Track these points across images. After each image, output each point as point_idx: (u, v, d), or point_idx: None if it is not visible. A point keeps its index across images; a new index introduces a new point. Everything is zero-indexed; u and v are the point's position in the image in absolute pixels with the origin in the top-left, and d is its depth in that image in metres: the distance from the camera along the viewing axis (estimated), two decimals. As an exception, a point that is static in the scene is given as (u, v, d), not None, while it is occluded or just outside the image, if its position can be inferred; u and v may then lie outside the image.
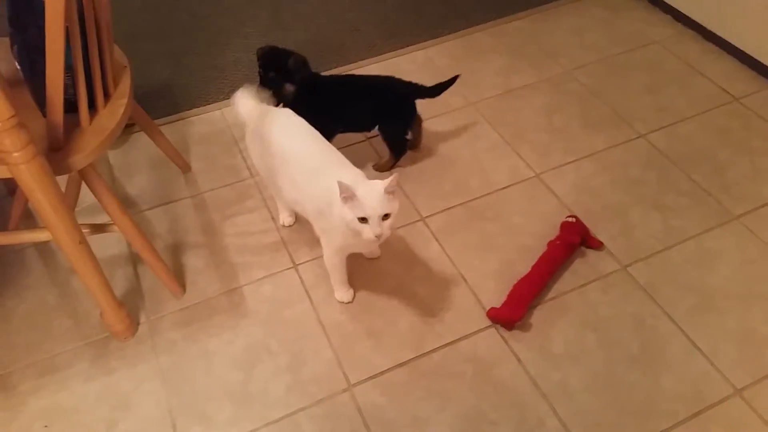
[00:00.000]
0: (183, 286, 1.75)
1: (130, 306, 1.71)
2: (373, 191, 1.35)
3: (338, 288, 1.70)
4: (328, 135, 1.68)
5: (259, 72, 1.86)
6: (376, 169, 2.05)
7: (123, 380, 1.57)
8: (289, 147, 1.55)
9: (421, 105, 1.97)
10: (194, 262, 1.82)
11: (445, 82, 1.94)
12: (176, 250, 1.85)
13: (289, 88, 1.84)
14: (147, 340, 1.65)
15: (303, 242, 1.86)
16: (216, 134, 2.21)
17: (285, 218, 1.90)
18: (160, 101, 2.31)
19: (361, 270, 1.78)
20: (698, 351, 1.57)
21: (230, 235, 1.89)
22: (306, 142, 1.56)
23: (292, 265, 1.80)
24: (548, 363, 1.56)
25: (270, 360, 1.60)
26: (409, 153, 2.06)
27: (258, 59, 1.84)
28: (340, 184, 1.33)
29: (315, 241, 1.85)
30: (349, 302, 1.71)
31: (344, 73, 2.38)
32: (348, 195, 1.34)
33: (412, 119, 2.01)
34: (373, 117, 1.94)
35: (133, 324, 1.66)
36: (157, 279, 1.74)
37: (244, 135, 1.77)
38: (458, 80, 1.95)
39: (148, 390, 1.56)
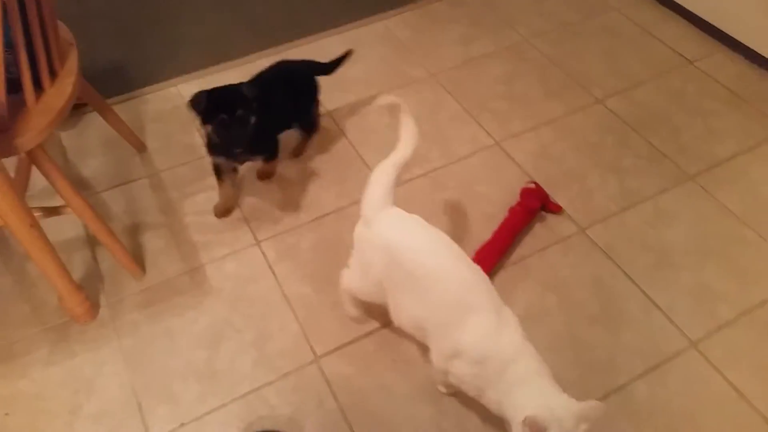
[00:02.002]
0: (143, 267, 1.72)
1: (90, 289, 1.67)
2: None
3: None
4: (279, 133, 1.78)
5: (205, 121, 1.56)
6: (294, 155, 2.01)
7: (85, 364, 1.55)
8: (430, 265, 1.24)
9: (382, 78, 1.96)
10: (154, 242, 1.79)
11: (339, 58, 1.92)
12: (134, 231, 1.82)
13: (252, 118, 1.57)
14: (108, 322, 1.63)
15: (265, 219, 1.84)
16: (171, 112, 2.16)
17: (353, 310, 1.58)
18: (113, 80, 2.25)
19: (324, 243, 1.77)
20: (655, 307, 1.61)
21: (190, 213, 1.86)
22: (457, 265, 1.25)
23: (254, 242, 1.79)
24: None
25: (235, 336, 1.59)
26: (374, 130, 2.05)
27: (198, 108, 1.53)
28: (531, 422, 1.06)
29: (277, 218, 1.85)
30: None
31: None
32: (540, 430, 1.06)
33: (317, 94, 1.95)
34: (294, 102, 1.86)
35: (93, 307, 1.63)
36: (116, 261, 1.71)
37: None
38: (418, 51, 1.94)
39: (112, 372, 1.54)
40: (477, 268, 1.26)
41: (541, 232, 1.79)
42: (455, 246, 1.28)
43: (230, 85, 1.57)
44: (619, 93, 2.18)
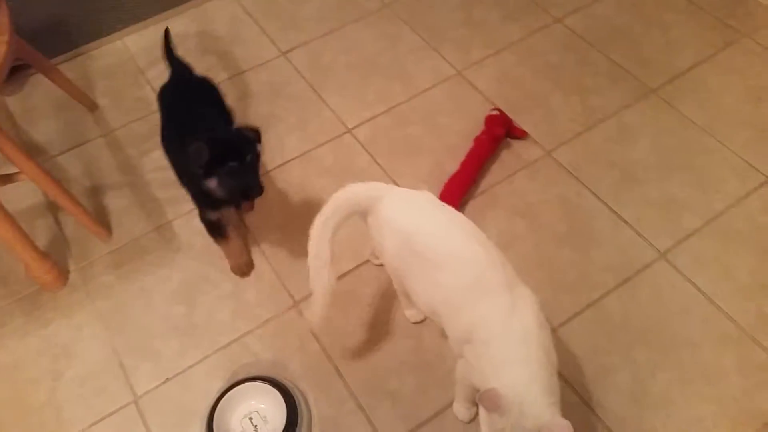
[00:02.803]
0: (108, 228, 1.69)
1: (56, 255, 1.64)
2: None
3: (458, 401, 1.38)
4: None
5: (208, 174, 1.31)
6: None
7: (62, 330, 1.54)
8: (440, 247, 1.18)
9: (335, 13, 1.89)
10: (117, 202, 1.75)
11: (165, 42, 1.72)
12: (95, 192, 1.77)
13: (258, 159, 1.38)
14: (80, 287, 1.60)
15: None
16: (119, 66, 2.07)
17: (415, 314, 1.51)
18: (54, 38, 2.14)
19: (292, 189, 1.75)
20: (623, 222, 1.64)
21: (150, 170, 1.82)
22: (467, 244, 1.17)
23: (220, 193, 1.76)
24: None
25: (211, 290, 1.59)
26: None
27: (200, 162, 1.28)
28: (487, 396, 0.99)
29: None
30: (464, 420, 1.38)
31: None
32: (494, 406, 0.99)
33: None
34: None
35: (62, 273, 1.60)
36: (80, 225, 1.67)
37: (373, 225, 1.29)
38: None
39: (90, 335, 1.53)
40: (491, 245, 1.18)
41: (508, 158, 1.79)
42: (468, 224, 1.22)
43: (226, 129, 1.41)
44: (577, 10, 2.14)
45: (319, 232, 1.24)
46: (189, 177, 1.42)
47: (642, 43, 2.03)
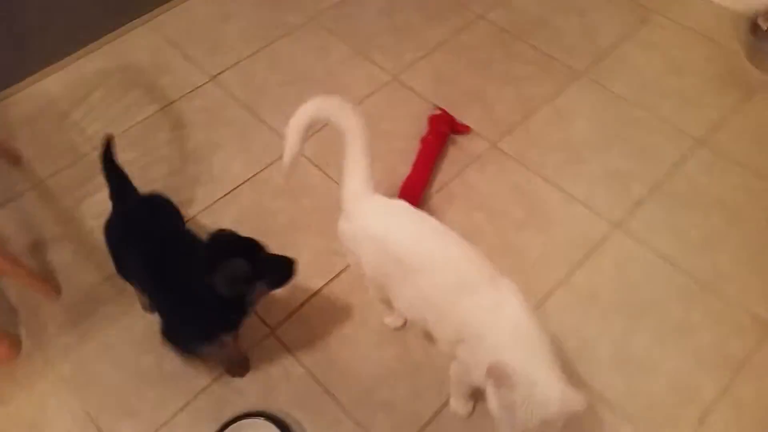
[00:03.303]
0: (57, 286, 1.58)
1: (4, 324, 1.52)
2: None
3: (455, 398, 1.37)
4: None
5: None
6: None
7: (25, 405, 1.42)
8: (417, 251, 1.18)
9: (260, 31, 1.85)
10: (60, 257, 1.65)
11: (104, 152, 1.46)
12: (35, 250, 1.66)
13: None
14: (36, 354, 1.49)
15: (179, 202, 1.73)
16: (41, 111, 1.96)
17: (394, 320, 1.49)
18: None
19: (246, 214, 1.70)
20: (575, 200, 1.70)
21: (91, 217, 1.72)
22: (443, 246, 1.19)
23: (172, 230, 1.69)
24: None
25: (179, 331, 1.52)
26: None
27: (241, 281, 1.17)
28: (494, 369, 0.99)
29: (191, 198, 1.75)
30: (463, 415, 1.37)
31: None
32: (502, 383, 0.99)
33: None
34: None
35: (14, 344, 1.49)
36: (25, 288, 1.55)
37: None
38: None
39: (57, 405, 1.42)
40: (466, 244, 1.18)
41: (456, 155, 1.82)
42: (441, 227, 1.21)
43: (226, 236, 1.23)
44: (497, 5, 2.20)
45: (296, 119, 1.32)
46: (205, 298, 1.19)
47: (563, 30, 2.11)
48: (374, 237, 1.21)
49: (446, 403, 1.38)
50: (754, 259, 1.56)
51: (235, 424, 1.32)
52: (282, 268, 1.22)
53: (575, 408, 0.98)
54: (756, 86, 1.91)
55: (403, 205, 1.25)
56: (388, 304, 1.40)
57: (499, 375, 0.98)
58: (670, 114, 1.85)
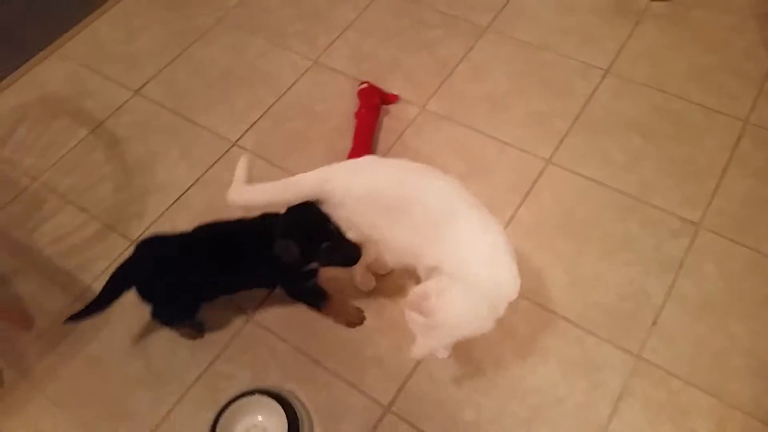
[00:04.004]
0: (29, 317, 1.59)
1: (-21, 362, 1.52)
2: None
3: None
4: None
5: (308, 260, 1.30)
6: None
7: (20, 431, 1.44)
8: (401, 193, 1.24)
9: (171, 38, 1.87)
10: (25, 288, 1.65)
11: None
12: (-3, 286, 1.66)
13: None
14: (20, 381, 1.50)
15: (129, 218, 1.76)
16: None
17: (366, 282, 1.55)
18: None
19: (203, 216, 1.75)
20: (506, 144, 1.82)
21: (47, 245, 1.72)
22: (420, 181, 1.26)
23: (129, 243, 1.71)
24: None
25: (160, 335, 1.55)
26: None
27: (294, 257, 1.26)
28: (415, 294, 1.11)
29: (141, 211, 1.77)
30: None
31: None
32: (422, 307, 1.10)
33: None
34: None
35: (-6, 376, 1.49)
36: (-6, 324, 1.56)
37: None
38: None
39: (53, 424, 1.45)
40: (443, 175, 1.27)
41: (391, 123, 1.91)
42: (415, 164, 1.28)
43: (299, 212, 1.30)
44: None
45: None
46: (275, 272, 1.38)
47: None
48: (359, 197, 1.25)
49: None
50: (673, 168, 1.72)
51: (232, 406, 1.37)
52: (342, 256, 1.29)
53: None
54: (643, 10, 2.08)
55: (373, 158, 1.33)
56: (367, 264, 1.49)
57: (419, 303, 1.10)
58: (573, 50, 2.01)
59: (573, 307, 1.51)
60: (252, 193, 1.34)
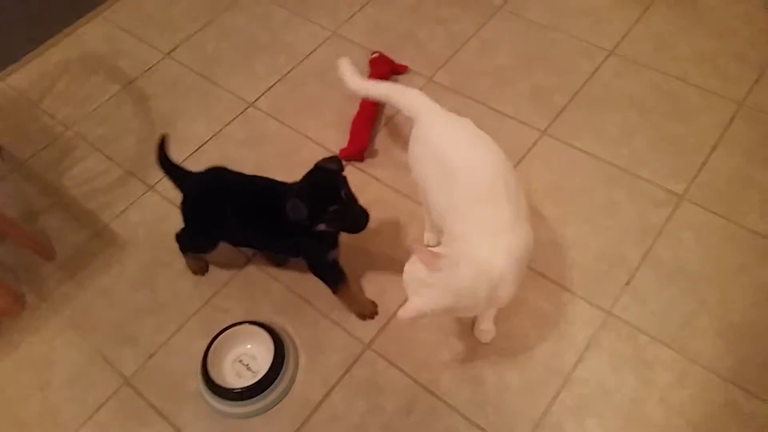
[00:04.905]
0: (51, 249, 1.74)
1: (8, 283, 1.67)
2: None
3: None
4: None
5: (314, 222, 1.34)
6: None
7: (34, 347, 1.59)
8: (456, 159, 1.29)
9: (196, 12, 2.00)
10: (50, 223, 1.81)
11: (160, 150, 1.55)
12: (27, 220, 1.82)
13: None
14: (40, 305, 1.66)
15: (149, 165, 1.89)
16: (12, 103, 2.11)
17: (431, 238, 1.64)
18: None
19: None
20: (506, 116, 1.90)
21: (73, 186, 1.88)
22: (481, 159, 1.30)
23: (148, 188, 1.86)
24: (401, 172, 1.80)
25: (167, 269, 1.69)
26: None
27: (302, 216, 1.30)
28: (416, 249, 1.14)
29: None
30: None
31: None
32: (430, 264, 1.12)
33: None
34: None
35: (18, 298, 1.64)
36: (20, 253, 1.71)
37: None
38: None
39: (64, 343, 1.59)
40: (509, 168, 1.31)
41: (397, 91, 2.00)
42: (500, 157, 1.33)
43: (315, 174, 1.36)
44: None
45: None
46: (291, 235, 1.40)
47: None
48: (436, 148, 1.33)
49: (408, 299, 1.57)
50: (664, 144, 1.78)
51: (224, 334, 1.49)
52: (351, 220, 1.35)
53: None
54: (653, -3, 2.13)
55: (468, 123, 1.38)
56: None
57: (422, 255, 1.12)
58: (581, 32, 2.07)
59: (551, 265, 1.58)
60: (366, 84, 1.56)
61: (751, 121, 1.79)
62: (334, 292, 1.52)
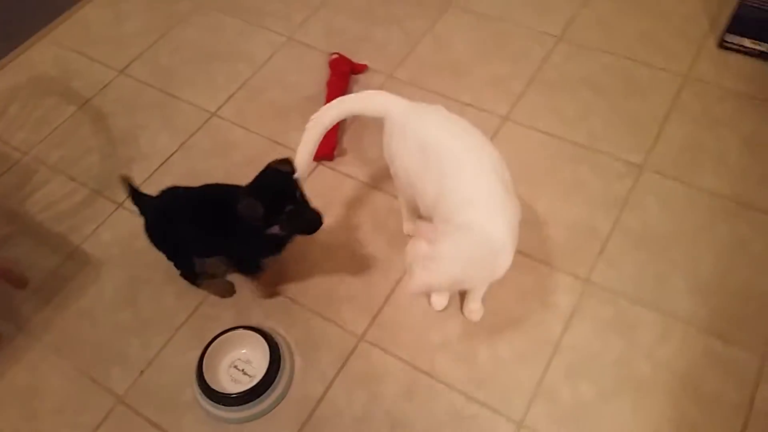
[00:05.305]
0: (23, 277, 1.68)
1: (-22, 316, 1.62)
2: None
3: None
4: None
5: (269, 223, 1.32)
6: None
7: (16, 377, 1.54)
8: (449, 153, 1.30)
9: (156, 22, 1.99)
10: (18, 252, 1.75)
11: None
12: (-9, 251, 1.76)
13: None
14: (17, 334, 1.60)
15: (116, 182, 1.85)
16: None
17: (409, 228, 1.68)
18: None
19: (184, 179, 1.86)
20: (466, 105, 1.96)
21: (38, 212, 1.83)
22: (468, 151, 1.32)
23: (116, 206, 1.82)
24: (369, 167, 1.84)
25: (146, 285, 1.66)
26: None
27: (256, 216, 1.29)
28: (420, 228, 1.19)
29: (147, 155, 1.90)
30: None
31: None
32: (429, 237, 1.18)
33: None
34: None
35: (-7, 330, 1.59)
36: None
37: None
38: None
39: (48, 369, 1.54)
40: (490, 145, 1.36)
41: (358, 90, 2.03)
42: (465, 123, 1.37)
43: (269, 175, 1.35)
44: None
45: (320, 117, 1.50)
46: (238, 236, 1.38)
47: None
48: (417, 138, 1.34)
49: (394, 288, 1.61)
50: (620, 119, 1.87)
51: (217, 341, 1.48)
52: (305, 222, 1.34)
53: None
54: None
55: (442, 110, 1.40)
56: (410, 206, 1.57)
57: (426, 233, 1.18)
58: (530, 21, 2.16)
59: (528, 241, 1.63)
60: (324, 114, 1.51)
61: (697, 91, 1.90)
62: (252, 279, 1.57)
